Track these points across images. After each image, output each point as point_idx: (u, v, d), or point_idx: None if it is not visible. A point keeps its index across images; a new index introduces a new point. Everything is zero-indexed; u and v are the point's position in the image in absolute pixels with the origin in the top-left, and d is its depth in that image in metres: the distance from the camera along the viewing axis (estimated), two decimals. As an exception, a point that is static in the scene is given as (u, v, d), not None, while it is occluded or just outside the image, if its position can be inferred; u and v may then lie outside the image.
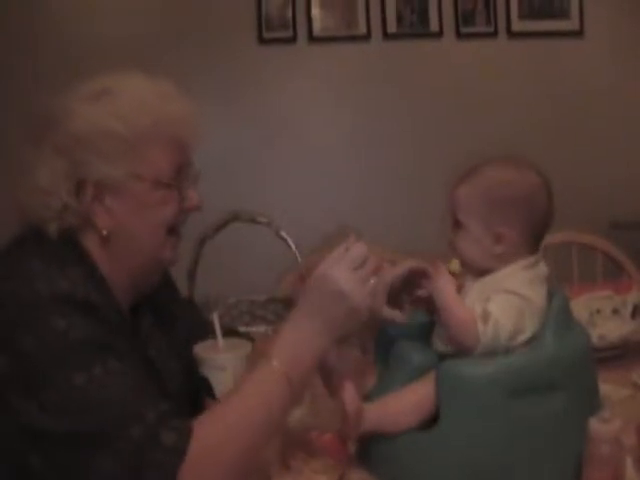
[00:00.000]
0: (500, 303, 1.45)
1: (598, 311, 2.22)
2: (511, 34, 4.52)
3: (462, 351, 1.46)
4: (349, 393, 1.43)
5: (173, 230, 1.54)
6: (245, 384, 1.38)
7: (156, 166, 1.47)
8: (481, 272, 1.54)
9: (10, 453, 1.31)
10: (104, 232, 1.45)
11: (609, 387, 1.78)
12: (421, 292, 1.55)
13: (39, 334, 1.27)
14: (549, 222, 1.55)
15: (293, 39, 4.34)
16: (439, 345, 1.53)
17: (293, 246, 2.49)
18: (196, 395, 1.63)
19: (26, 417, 1.26)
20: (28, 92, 3.98)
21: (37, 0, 4.17)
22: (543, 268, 1.54)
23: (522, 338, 1.45)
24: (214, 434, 1.31)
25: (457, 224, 1.55)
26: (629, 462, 1.42)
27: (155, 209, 1.49)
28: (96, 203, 1.44)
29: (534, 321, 1.46)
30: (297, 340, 1.39)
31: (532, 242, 1.54)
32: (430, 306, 1.54)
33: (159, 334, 1.65)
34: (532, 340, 1.47)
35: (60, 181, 1.42)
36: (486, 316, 1.42)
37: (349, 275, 1.39)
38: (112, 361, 1.30)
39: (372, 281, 1.43)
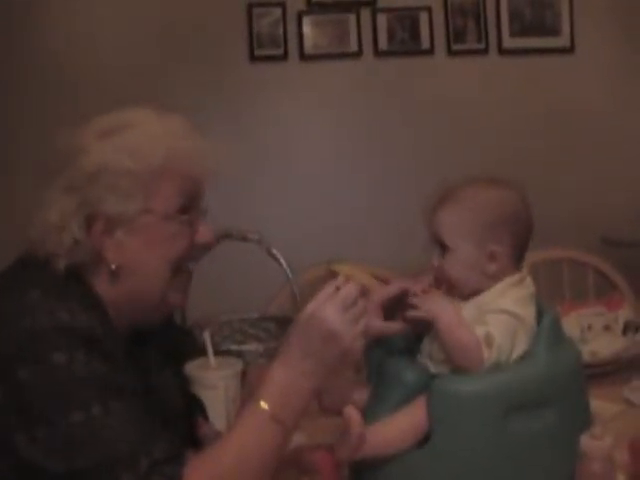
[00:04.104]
0: (498, 325, 1.45)
1: (589, 327, 2.23)
2: (502, 51, 4.54)
3: (462, 371, 1.46)
4: (355, 416, 1.42)
5: (180, 268, 1.52)
6: (237, 430, 1.37)
7: (167, 201, 1.47)
8: (469, 293, 1.54)
9: None
10: (113, 266, 1.44)
11: (600, 403, 1.78)
12: (411, 313, 1.53)
13: (39, 367, 1.26)
14: (531, 234, 1.57)
15: (284, 57, 4.35)
16: (431, 367, 1.53)
17: (284, 264, 2.48)
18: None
19: (15, 450, 1.24)
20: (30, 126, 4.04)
21: (38, 32, 4.16)
22: (530, 284, 1.55)
23: (513, 356, 1.46)
24: None
25: (444, 248, 1.55)
26: (621, 479, 1.42)
27: (166, 243, 1.48)
28: (106, 237, 1.43)
29: (525, 339, 1.47)
30: (287, 381, 1.38)
31: (519, 257, 1.56)
32: (419, 327, 1.54)
33: (163, 363, 1.64)
34: (522, 357, 1.47)
35: (71, 216, 1.41)
36: (490, 340, 1.42)
37: (340, 316, 1.38)
38: (112, 401, 1.28)
39: (362, 321, 1.42)
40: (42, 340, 1.28)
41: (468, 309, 1.52)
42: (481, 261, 1.52)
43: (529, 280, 1.55)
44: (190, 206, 1.51)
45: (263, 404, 1.35)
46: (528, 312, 1.49)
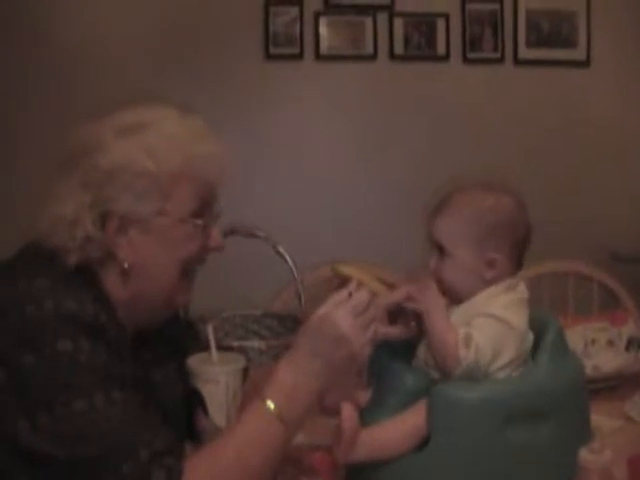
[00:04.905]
0: (481, 328, 1.46)
1: (593, 342, 2.22)
2: (517, 61, 4.52)
3: (446, 375, 1.46)
4: (347, 411, 1.43)
5: (188, 271, 1.53)
6: (239, 426, 1.37)
7: (183, 203, 1.47)
8: (463, 297, 1.54)
9: (0, 471, 1.28)
10: (125, 264, 1.44)
11: (601, 418, 1.78)
12: (406, 303, 1.54)
13: (43, 354, 1.26)
14: (529, 240, 1.58)
15: (300, 56, 4.34)
16: (431, 373, 1.53)
17: (290, 261, 2.48)
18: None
19: (16, 435, 1.24)
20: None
21: (49, 25, 4.16)
22: (523, 290, 1.55)
23: (500, 363, 1.46)
24: (206, 478, 1.30)
25: (441, 252, 1.56)
26: (619, 495, 1.42)
27: (179, 245, 1.48)
28: (120, 235, 1.43)
29: (514, 345, 1.47)
30: (293, 381, 1.39)
31: (517, 263, 1.57)
32: (419, 332, 1.55)
33: (166, 360, 1.63)
34: (514, 363, 1.47)
35: (85, 212, 1.41)
36: (468, 340, 1.43)
37: (352, 320, 1.40)
38: (115, 391, 1.29)
39: (372, 328, 1.43)
40: (48, 327, 1.28)
41: (458, 312, 1.53)
42: (479, 267, 1.53)
43: (522, 286, 1.56)
44: (204, 210, 1.51)
45: (269, 403, 1.36)
46: (518, 318, 1.50)
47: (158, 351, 1.61)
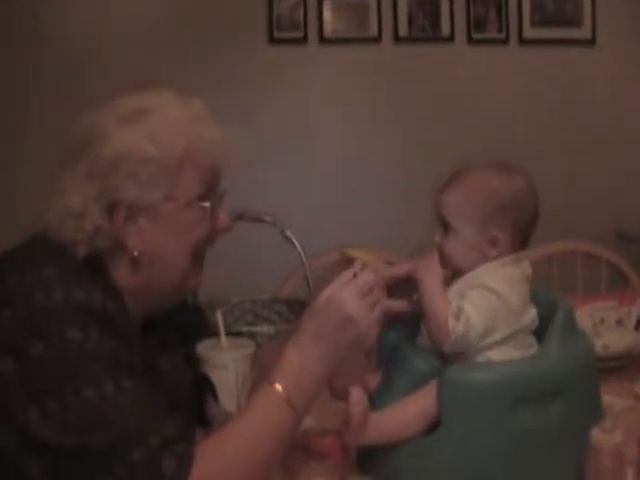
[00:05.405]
0: (474, 300, 1.46)
1: (602, 321, 2.22)
2: (522, 41, 4.51)
3: (437, 346, 1.47)
4: (356, 394, 1.43)
5: (199, 254, 1.53)
6: (248, 411, 1.37)
7: (189, 188, 1.46)
8: (464, 271, 1.55)
9: (10, 460, 1.28)
10: (135, 253, 1.44)
11: (611, 398, 1.77)
12: (404, 267, 1.56)
13: (53, 342, 1.25)
14: (536, 222, 1.57)
15: (304, 40, 4.33)
16: (427, 344, 1.53)
17: (298, 246, 2.48)
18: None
19: (26, 424, 1.24)
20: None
21: (52, 16, 4.15)
22: (526, 266, 1.55)
23: (493, 339, 1.46)
24: (216, 463, 1.29)
25: (446, 227, 1.56)
26: (630, 474, 1.41)
27: (187, 230, 1.48)
28: (128, 224, 1.43)
29: (508, 322, 1.47)
30: (301, 364, 1.38)
31: (521, 244, 1.57)
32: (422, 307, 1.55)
33: (174, 346, 1.63)
34: (509, 341, 1.47)
35: (92, 203, 1.40)
36: (458, 313, 1.44)
37: (358, 301, 1.39)
38: (124, 379, 1.28)
39: (377, 309, 1.43)
40: (57, 316, 1.28)
41: (456, 285, 1.53)
42: (482, 245, 1.53)
43: (526, 263, 1.56)
44: (210, 192, 1.50)
45: (278, 387, 1.35)
46: (515, 293, 1.49)
47: (166, 337, 1.60)
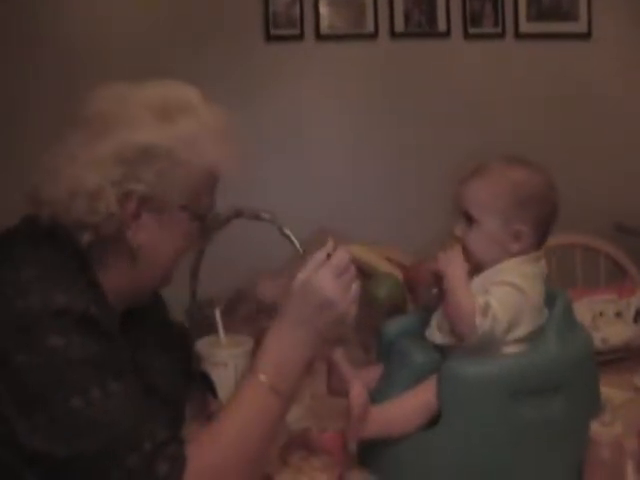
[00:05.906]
0: (500, 296, 1.45)
1: (601, 314, 2.22)
2: (519, 35, 4.50)
3: (460, 340, 1.47)
4: (356, 388, 1.43)
5: (180, 257, 1.53)
6: (236, 402, 1.36)
7: (200, 201, 1.47)
8: (486, 268, 1.54)
9: (5, 470, 1.27)
10: (135, 245, 1.42)
11: (611, 390, 1.78)
12: (429, 265, 1.58)
13: (34, 352, 1.23)
14: (556, 217, 1.58)
15: (300, 36, 4.33)
16: (437, 337, 1.54)
17: (297, 243, 2.48)
18: (189, 389, 1.62)
19: (16, 435, 1.22)
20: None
21: (53, 15, 4.16)
22: (543, 265, 1.55)
23: (516, 334, 1.46)
24: (210, 458, 1.29)
25: (469, 219, 1.56)
26: (630, 466, 1.42)
27: (186, 237, 1.48)
28: (136, 217, 1.41)
29: (530, 318, 1.47)
30: (282, 351, 1.38)
31: (542, 239, 1.57)
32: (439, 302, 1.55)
33: (149, 336, 1.61)
34: (530, 338, 1.47)
35: (110, 187, 1.36)
36: (486, 308, 1.43)
37: (334, 283, 1.38)
38: (111, 382, 1.26)
39: (355, 286, 1.41)
40: (37, 324, 1.24)
41: (478, 280, 1.53)
42: (505, 239, 1.53)
43: (543, 261, 1.56)
44: (210, 209, 1.51)
45: (262, 376, 1.35)
46: (535, 290, 1.50)
47: (137, 330, 1.57)
